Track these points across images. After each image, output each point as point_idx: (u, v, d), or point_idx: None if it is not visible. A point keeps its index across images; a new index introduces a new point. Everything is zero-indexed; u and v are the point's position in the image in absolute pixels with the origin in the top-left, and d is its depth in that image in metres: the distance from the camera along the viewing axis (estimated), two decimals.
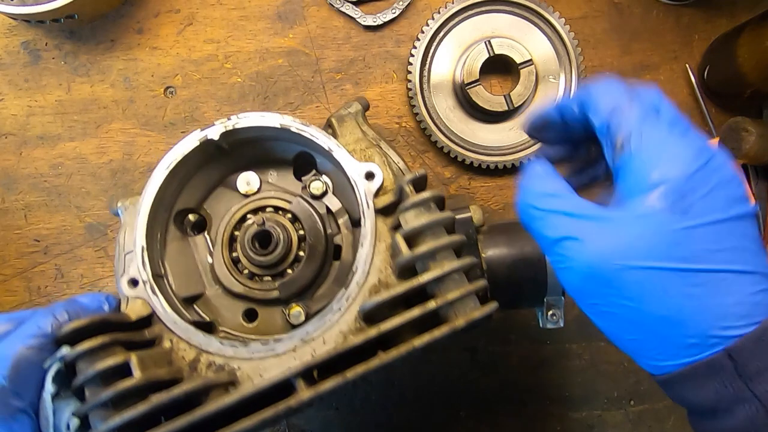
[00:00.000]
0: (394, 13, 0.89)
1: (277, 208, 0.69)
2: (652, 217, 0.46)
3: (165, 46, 0.89)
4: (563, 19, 0.88)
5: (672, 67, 0.93)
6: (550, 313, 0.70)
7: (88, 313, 0.58)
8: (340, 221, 0.69)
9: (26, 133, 0.88)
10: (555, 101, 0.60)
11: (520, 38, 0.88)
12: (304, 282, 0.67)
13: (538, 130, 0.60)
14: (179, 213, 0.69)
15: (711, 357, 0.45)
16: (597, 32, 0.92)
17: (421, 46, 0.87)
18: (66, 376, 0.55)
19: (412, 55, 0.87)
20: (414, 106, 0.88)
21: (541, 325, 0.71)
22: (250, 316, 0.69)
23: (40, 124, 0.88)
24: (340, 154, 0.63)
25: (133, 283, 0.61)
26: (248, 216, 0.69)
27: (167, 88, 0.89)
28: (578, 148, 0.61)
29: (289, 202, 0.68)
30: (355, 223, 0.68)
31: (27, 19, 0.80)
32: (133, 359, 0.54)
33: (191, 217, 0.71)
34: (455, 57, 0.88)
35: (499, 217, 0.92)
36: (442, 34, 0.88)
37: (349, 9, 0.89)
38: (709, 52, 0.92)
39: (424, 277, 0.57)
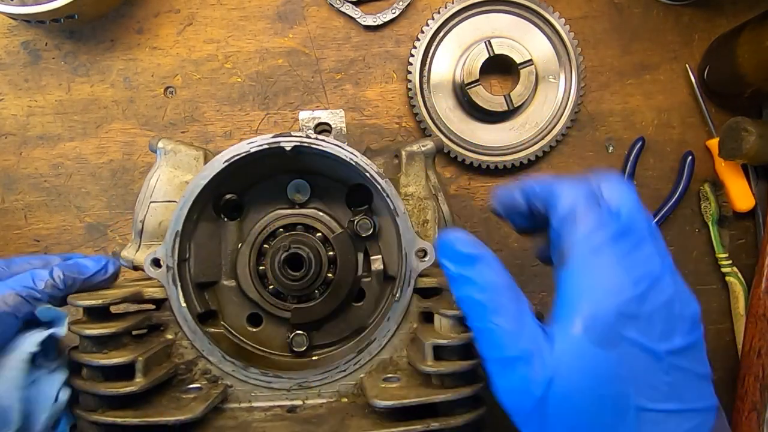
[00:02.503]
0: (394, 13, 0.89)
1: (319, 234, 0.67)
2: (577, 350, 0.45)
3: (165, 46, 0.89)
4: (563, 19, 0.88)
5: (672, 67, 0.93)
6: None
7: (87, 277, 0.58)
8: (373, 267, 0.67)
9: (26, 133, 0.88)
10: (522, 183, 0.57)
11: (520, 38, 0.87)
12: (318, 316, 0.66)
13: (504, 208, 0.58)
14: (220, 195, 0.67)
15: None
16: (597, 32, 0.92)
17: (421, 46, 0.87)
18: (53, 345, 0.56)
19: (412, 55, 0.87)
20: (414, 106, 0.88)
21: None
22: (255, 321, 0.68)
23: (40, 124, 0.88)
24: (403, 220, 0.61)
25: (157, 264, 0.61)
26: (291, 227, 0.67)
27: (167, 88, 0.89)
28: (540, 227, 0.56)
29: (333, 231, 0.66)
30: (387, 277, 0.67)
31: (27, 19, 0.80)
32: (139, 363, 0.54)
33: (228, 196, 0.68)
34: (455, 57, 0.88)
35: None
36: (442, 34, 0.88)
37: (349, 9, 0.89)
38: (709, 52, 0.92)
39: (439, 398, 0.55)
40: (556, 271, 0.50)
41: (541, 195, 0.53)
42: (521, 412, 0.46)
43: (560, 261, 0.49)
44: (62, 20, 0.81)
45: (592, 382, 0.44)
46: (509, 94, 0.86)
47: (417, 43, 0.87)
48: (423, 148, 0.67)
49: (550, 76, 0.89)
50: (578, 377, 0.44)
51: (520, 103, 0.87)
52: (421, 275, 0.61)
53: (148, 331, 0.61)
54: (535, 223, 0.55)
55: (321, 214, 0.68)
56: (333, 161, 0.63)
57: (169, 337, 0.61)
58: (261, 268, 0.67)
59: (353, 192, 0.68)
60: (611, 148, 0.93)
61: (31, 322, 0.55)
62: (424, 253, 0.61)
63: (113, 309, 0.58)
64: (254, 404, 0.60)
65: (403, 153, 0.67)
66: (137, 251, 0.64)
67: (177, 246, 0.61)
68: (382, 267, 0.67)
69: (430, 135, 0.88)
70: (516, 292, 0.49)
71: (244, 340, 0.67)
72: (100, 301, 0.55)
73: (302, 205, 0.69)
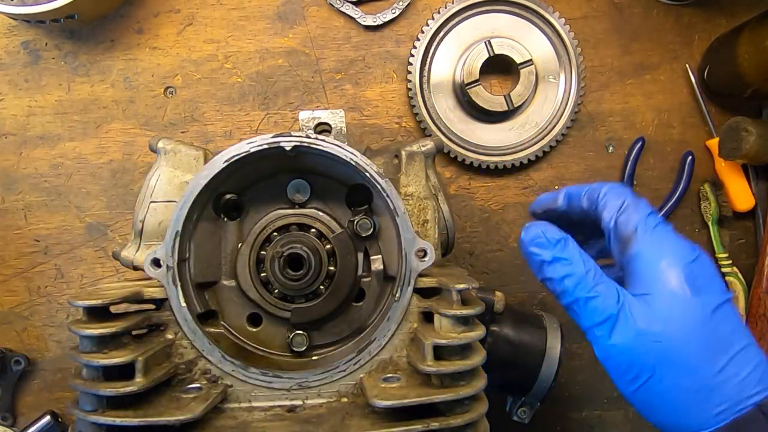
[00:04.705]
0: (394, 13, 0.89)
1: (320, 234, 0.67)
2: (681, 298, 0.55)
3: (165, 46, 0.89)
4: (563, 19, 0.88)
5: (672, 67, 0.93)
6: (522, 409, 0.75)
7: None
8: (373, 267, 0.67)
9: (26, 133, 0.88)
10: (562, 190, 0.69)
11: (520, 38, 0.88)
12: (318, 315, 0.66)
13: (543, 210, 0.68)
14: (220, 194, 0.67)
15: (744, 414, 0.53)
16: (597, 32, 0.92)
17: (421, 46, 0.87)
18: None
19: (412, 55, 0.87)
20: (414, 106, 0.88)
21: (507, 409, 0.77)
22: (255, 321, 0.68)
23: (40, 124, 0.88)
24: (403, 220, 0.61)
25: (157, 264, 0.60)
26: (291, 227, 0.67)
27: (167, 88, 0.89)
28: (573, 230, 0.65)
29: (333, 231, 0.66)
30: (387, 277, 0.67)
31: (27, 19, 0.80)
32: (139, 363, 0.54)
33: (228, 196, 0.67)
34: (455, 57, 0.88)
35: (500, 218, 0.92)
36: (442, 34, 0.88)
37: (349, 9, 0.89)
38: (709, 52, 0.92)
39: (439, 398, 0.55)
40: (618, 255, 0.60)
41: (589, 196, 0.63)
42: (634, 367, 0.55)
43: (624, 245, 0.59)
44: (62, 20, 0.81)
45: (698, 323, 0.54)
46: (509, 94, 0.86)
47: (417, 43, 0.87)
48: (423, 148, 0.67)
49: (550, 76, 0.89)
50: (687, 320, 0.54)
51: (520, 103, 0.87)
52: (421, 275, 0.61)
53: (148, 331, 0.61)
54: (568, 220, 0.65)
55: (321, 214, 0.68)
56: (333, 161, 0.62)
57: (169, 336, 0.61)
58: (262, 274, 0.67)
59: (353, 192, 0.68)
60: (611, 148, 0.93)
61: None
62: (424, 252, 0.61)
63: (113, 309, 0.58)
64: (254, 404, 0.60)
65: (403, 153, 0.67)
66: (137, 251, 0.64)
67: (177, 246, 0.61)
68: (382, 267, 0.67)
69: (430, 135, 0.88)
70: (594, 263, 0.59)
71: (244, 340, 0.67)
72: (99, 301, 0.55)
73: (302, 205, 0.69)
